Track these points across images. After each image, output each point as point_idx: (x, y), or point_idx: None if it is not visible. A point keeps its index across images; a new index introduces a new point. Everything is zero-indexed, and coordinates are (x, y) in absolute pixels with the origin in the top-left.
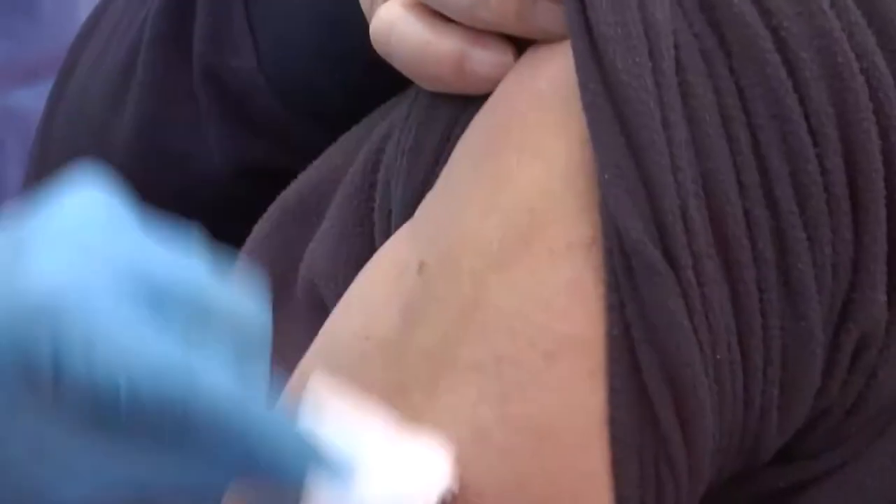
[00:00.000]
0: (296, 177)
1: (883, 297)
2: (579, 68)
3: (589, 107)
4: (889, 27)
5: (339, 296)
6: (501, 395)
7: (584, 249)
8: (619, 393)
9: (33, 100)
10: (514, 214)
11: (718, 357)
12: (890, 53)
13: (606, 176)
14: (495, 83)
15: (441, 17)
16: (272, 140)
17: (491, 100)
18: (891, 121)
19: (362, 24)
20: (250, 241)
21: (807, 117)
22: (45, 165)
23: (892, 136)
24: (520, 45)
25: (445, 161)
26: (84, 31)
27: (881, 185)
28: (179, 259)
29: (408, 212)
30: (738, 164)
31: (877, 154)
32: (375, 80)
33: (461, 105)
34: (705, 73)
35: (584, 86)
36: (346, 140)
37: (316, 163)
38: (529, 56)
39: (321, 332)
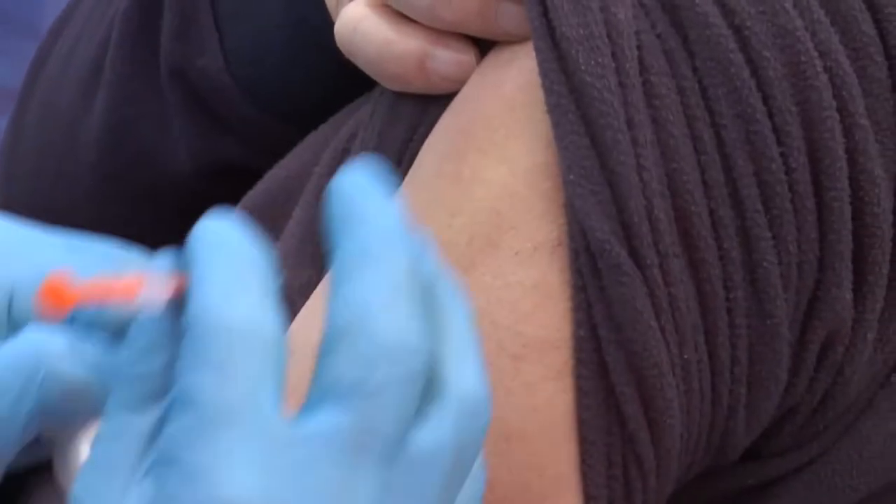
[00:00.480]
0: (263, 175)
1: (849, 295)
2: (543, 70)
3: (553, 108)
4: (852, 25)
5: (305, 295)
6: None
7: (549, 251)
8: (586, 394)
9: None
10: (479, 216)
11: (686, 356)
12: (853, 51)
13: (571, 177)
14: (458, 83)
15: (404, 18)
16: (239, 138)
17: (455, 101)
18: (854, 119)
19: (328, 23)
20: None
21: (771, 116)
22: (15, 161)
23: (856, 134)
24: (483, 45)
25: (409, 160)
26: (53, 29)
27: (846, 184)
28: None
29: None
30: (702, 164)
31: (841, 152)
32: (342, 78)
33: (424, 105)
34: (669, 73)
35: (548, 88)
36: (312, 139)
37: (283, 161)
38: (493, 57)
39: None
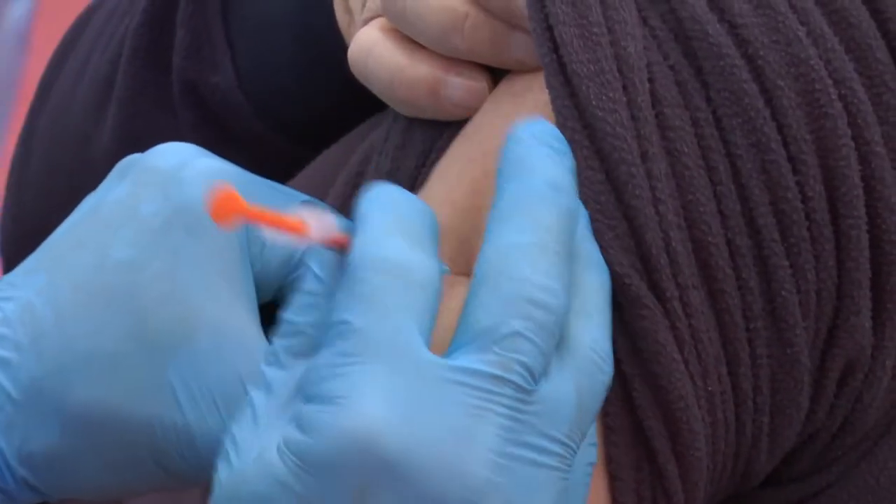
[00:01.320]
0: None
1: (868, 323)
2: (556, 107)
3: (568, 144)
4: (866, 53)
5: None
6: None
7: None
8: (613, 430)
9: None
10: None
11: (710, 388)
12: (868, 79)
13: (588, 211)
14: (470, 110)
15: (417, 44)
16: (250, 155)
17: (468, 129)
18: (870, 146)
19: (340, 44)
20: None
21: (786, 145)
22: (26, 178)
23: (872, 162)
24: (496, 73)
25: (421, 185)
26: (65, 44)
27: (863, 212)
28: None
29: None
30: (718, 195)
31: (857, 180)
32: (353, 99)
33: (437, 131)
34: (682, 104)
35: (561, 124)
36: (325, 159)
37: (295, 180)
38: (506, 86)
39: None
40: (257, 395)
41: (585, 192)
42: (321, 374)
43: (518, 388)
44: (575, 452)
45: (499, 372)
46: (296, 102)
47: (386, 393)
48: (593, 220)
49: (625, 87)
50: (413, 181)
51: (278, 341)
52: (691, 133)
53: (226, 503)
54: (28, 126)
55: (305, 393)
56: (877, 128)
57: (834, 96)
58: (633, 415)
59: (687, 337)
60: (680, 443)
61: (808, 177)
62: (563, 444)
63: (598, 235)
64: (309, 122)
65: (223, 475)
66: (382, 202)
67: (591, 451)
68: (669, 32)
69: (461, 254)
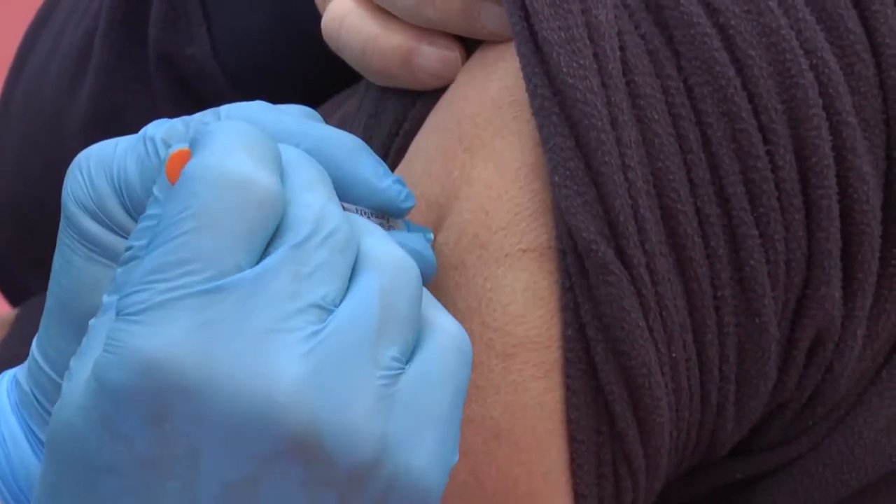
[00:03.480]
0: None
1: (838, 293)
2: (526, 74)
3: (537, 111)
4: (838, 23)
5: None
6: None
7: (538, 252)
8: (575, 393)
9: None
10: (467, 215)
11: (674, 355)
12: (839, 49)
13: (557, 178)
14: (443, 79)
15: (390, 14)
16: None
17: (443, 100)
18: (842, 116)
19: (315, 14)
20: None
21: (756, 114)
22: (2, 150)
23: (843, 132)
24: (470, 43)
25: (394, 155)
26: (40, 15)
27: (833, 182)
28: None
29: None
30: (688, 163)
31: (828, 150)
32: (328, 69)
33: (409, 100)
34: (653, 72)
35: (531, 91)
36: None
37: None
38: (480, 57)
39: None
40: (92, 324)
41: (555, 158)
42: (131, 289)
43: (317, 305)
44: (401, 356)
45: (294, 289)
46: (271, 74)
47: (188, 312)
48: (562, 187)
49: (595, 55)
50: (387, 149)
51: (119, 269)
52: (662, 101)
53: (50, 434)
54: (3, 101)
55: (117, 310)
56: (848, 98)
57: (805, 66)
58: (595, 379)
59: (652, 304)
60: (641, 408)
61: (778, 146)
62: (370, 350)
63: (566, 201)
64: (284, 92)
65: (55, 409)
66: (229, 126)
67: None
68: (641, 2)
69: (440, 219)
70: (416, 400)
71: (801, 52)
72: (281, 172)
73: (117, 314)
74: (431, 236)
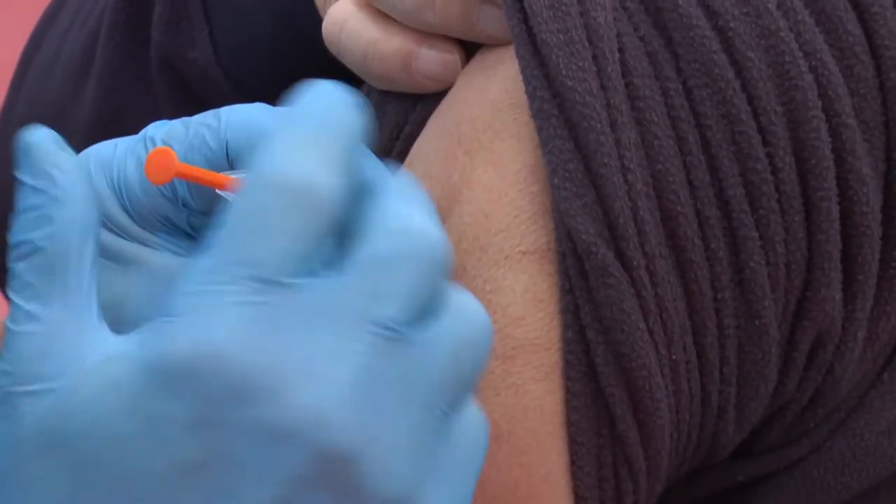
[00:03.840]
0: None
1: (838, 295)
2: (525, 76)
3: (537, 113)
4: (837, 25)
5: None
6: None
7: (538, 255)
8: (575, 395)
9: None
10: (467, 218)
11: (674, 357)
12: (839, 51)
13: (556, 180)
14: (443, 83)
15: (391, 18)
16: None
17: (443, 104)
18: (841, 118)
19: (316, 18)
20: None
21: (756, 116)
22: (6, 152)
23: (842, 134)
24: (470, 47)
25: (396, 158)
26: (45, 18)
27: (833, 183)
28: None
29: None
30: (688, 165)
31: (827, 152)
32: (329, 73)
33: (410, 104)
34: (652, 75)
35: (530, 93)
36: None
37: None
38: (479, 60)
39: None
40: (24, 327)
41: (554, 160)
42: (185, 288)
43: (387, 328)
44: (449, 412)
45: (363, 305)
46: (272, 76)
47: (244, 314)
48: (561, 189)
49: (594, 57)
50: (387, 153)
51: (20, 265)
52: (661, 103)
53: (65, 439)
54: (8, 103)
55: (163, 304)
56: (848, 100)
57: (804, 68)
58: (596, 381)
59: (652, 306)
60: (642, 410)
61: (778, 148)
62: (427, 396)
63: (565, 203)
64: (286, 96)
65: (62, 408)
66: (297, 122)
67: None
68: (640, 4)
69: (440, 222)
70: (455, 455)
71: (801, 54)
72: (355, 174)
73: (160, 313)
74: None
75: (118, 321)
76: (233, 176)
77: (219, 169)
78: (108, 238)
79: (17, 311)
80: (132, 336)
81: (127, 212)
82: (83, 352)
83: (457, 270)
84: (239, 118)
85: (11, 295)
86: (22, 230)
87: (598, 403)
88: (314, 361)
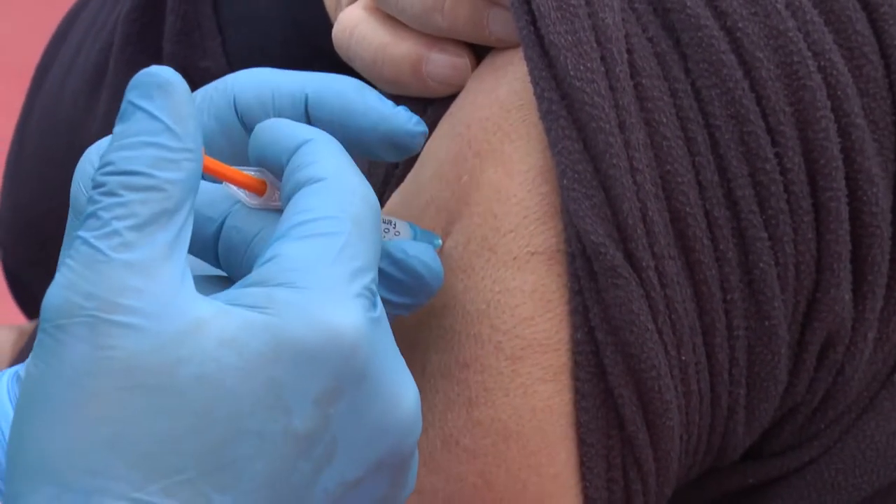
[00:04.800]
0: None
1: (848, 296)
2: (534, 78)
3: (545, 114)
4: (846, 25)
5: None
6: (468, 400)
7: (547, 255)
8: (584, 396)
9: None
10: (476, 219)
11: (683, 358)
12: (848, 51)
13: (565, 181)
14: (453, 86)
15: (400, 22)
16: None
17: (453, 106)
18: (850, 118)
19: (328, 26)
20: None
21: (765, 117)
22: (20, 166)
23: (852, 134)
24: (480, 51)
25: (406, 163)
26: (59, 32)
27: (842, 184)
28: None
29: None
30: (696, 165)
31: (836, 152)
32: None
33: (420, 107)
34: (661, 75)
35: (539, 95)
36: None
37: None
38: (489, 62)
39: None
40: (121, 257)
41: (563, 162)
42: (297, 264)
43: None
44: None
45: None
46: None
47: (363, 306)
48: (570, 190)
49: (603, 58)
50: None
51: (130, 195)
52: (670, 104)
53: (177, 384)
54: (23, 116)
55: (276, 279)
56: (857, 100)
57: (813, 68)
58: (605, 382)
59: (661, 307)
60: (651, 411)
61: (786, 148)
62: None
63: (574, 204)
64: None
65: (170, 356)
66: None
67: None
68: (648, 5)
69: (450, 223)
70: None
71: (809, 53)
72: None
73: (276, 283)
74: (440, 242)
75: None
76: (254, 175)
77: (230, 125)
78: None
79: (114, 237)
80: (244, 293)
81: None
82: (180, 300)
83: (465, 270)
84: (245, 76)
85: (106, 215)
86: (141, 162)
87: (608, 404)
88: (400, 361)
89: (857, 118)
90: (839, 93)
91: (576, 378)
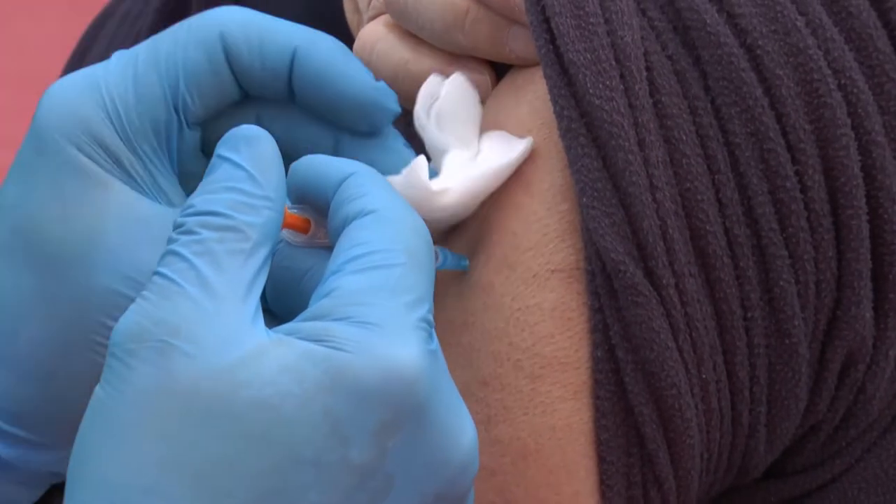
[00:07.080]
0: None
1: (869, 314)
2: (553, 96)
3: (565, 133)
4: (867, 43)
5: None
6: (487, 418)
7: (567, 273)
8: (604, 414)
9: None
10: (495, 237)
11: (704, 376)
12: (868, 69)
13: (585, 199)
14: None
15: (421, 39)
16: None
17: None
18: (871, 136)
19: (348, 40)
20: None
21: (785, 134)
22: None
23: (872, 152)
24: (500, 68)
25: None
26: (80, 50)
27: (863, 202)
28: None
29: None
30: (716, 183)
31: (857, 170)
32: None
33: None
34: (680, 93)
35: (558, 113)
36: None
37: None
38: (509, 81)
39: None
40: (194, 289)
41: (583, 180)
42: (355, 297)
43: None
44: None
45: None
46: None
47: (421, 339)
48: (590, 208)
49: (622, 76)
50: None
51: (208, 233)
52: (689, 121)
53: (233, 407)
54: None
55: (335, 314)
56: (878, 117)
57: (833, 86)
58: (625, 400)
59: (682, 325)
60: (671, 429)
61: (807, 166)
62: None
63: (594, 222)
64: None
65: (228, 380)
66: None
67: None
68: (668, 23)
69: (470, 241)
70: None
71: (829, 71)
72: None
73: (335, 317)
74: (466, 263)
75: None
76: (297, 213)
77: (216, 57)
78: (92, 167)
79: (189, 270)
80: (303, 326)
81: (115, 129)
82: (245, 330)
83: (485, 288)
84: (236, 13)
85: (183, 251)
86: (221, 204)
87: (628, 422)
88: (457, 398)
89: (877, 136)
90: (860, 110)
91: (596, 396)
